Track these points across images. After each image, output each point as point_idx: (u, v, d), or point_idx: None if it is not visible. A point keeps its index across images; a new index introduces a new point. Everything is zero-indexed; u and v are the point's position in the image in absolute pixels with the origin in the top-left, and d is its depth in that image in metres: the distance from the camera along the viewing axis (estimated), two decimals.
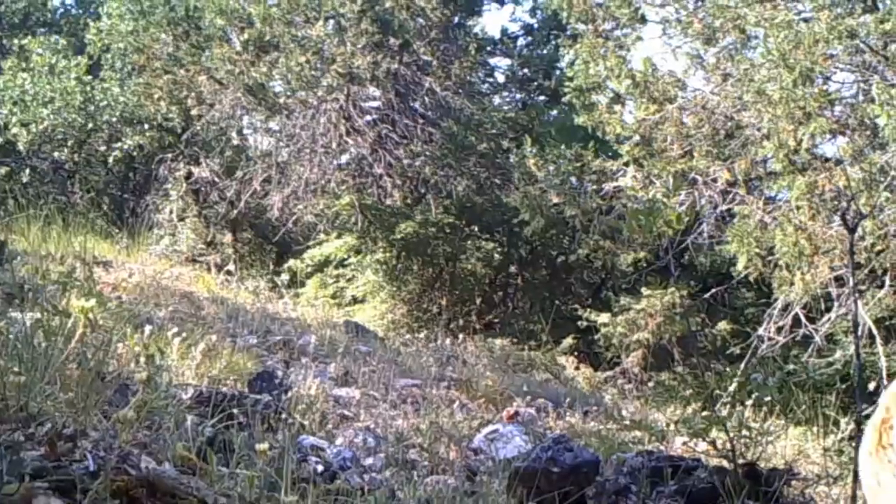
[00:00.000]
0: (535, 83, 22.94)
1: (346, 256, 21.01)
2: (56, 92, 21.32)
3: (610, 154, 14.92)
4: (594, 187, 14.52)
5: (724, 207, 13.33)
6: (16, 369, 4.37)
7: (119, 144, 21.89)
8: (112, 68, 22.74)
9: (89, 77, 21.96)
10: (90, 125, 21.78)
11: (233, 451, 5.08)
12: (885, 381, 11.51)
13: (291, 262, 21.31)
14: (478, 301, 21.47)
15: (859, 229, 10.71)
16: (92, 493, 3.84)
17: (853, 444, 8.17)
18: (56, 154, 22.26)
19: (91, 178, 23.21)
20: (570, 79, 14.24)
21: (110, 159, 22.21)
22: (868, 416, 10.52)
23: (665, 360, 16.39)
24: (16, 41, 24.24)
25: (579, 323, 17.09)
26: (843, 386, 12.54)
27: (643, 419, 10.26)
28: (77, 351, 4.73)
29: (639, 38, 14.07)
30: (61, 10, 30.69)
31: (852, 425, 10.02)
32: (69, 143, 22.05)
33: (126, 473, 4.17)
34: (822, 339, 12.49)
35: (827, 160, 11.93)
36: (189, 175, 22.49)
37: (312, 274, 21.20)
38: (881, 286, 12.00)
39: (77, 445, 4.15)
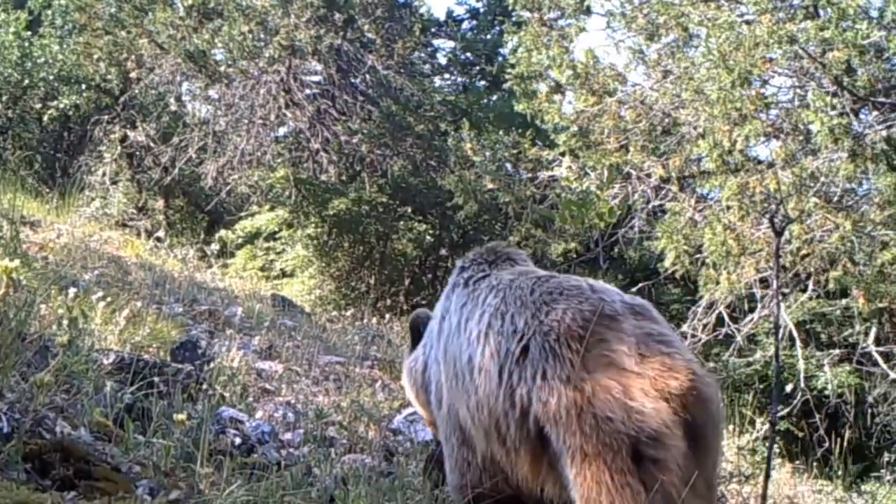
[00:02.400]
0: (477, 68, 22.98)
1: (277, 229, 20.96)
2: None
3: (547, 143, 14.98)
4: (529, 175, 14.57)
5: (656, 203, 13.43)
6: None
7: (55, 103, 21.64)
8: (52, 25, 22.45)
9: (28, 33, 21.64)
10: (26, 81, 21.49)
11: (151, 420, 5.07)
12: (802, 384, 11.70)
13: (222, 232, 21.24)
14: (407, 282, 21.47)
15: (786, 233, 10.84)
16: (4, 456, 3.82)
17: (766, 444, 8.28)
18: None
19: (24, 136, 22.88)
20: (512, 65, 14.27)
21: (45, 117, 21.95)
22: (783, 417, 10.71)
23: None
24: None
25: None
26: (761, 386, 12.75)
27: None
28: None
29: (582, 30, 14.11)
30: None
31: (767, 426, 10.18)
32: (3, 99, 21.73)
33: (40, 437, 4.16)
34: (743, 339, 12.65)
35: (759, 162, 12.05)
36: (124, 138, 22.28)
37: (242, 245, 21.14)
38: (804, 290, 12.18)
39: None
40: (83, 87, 21.99)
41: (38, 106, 22.21)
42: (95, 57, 21.03)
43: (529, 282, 4.77)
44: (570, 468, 4.15)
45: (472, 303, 4.98)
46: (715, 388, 4.35)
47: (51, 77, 21.56)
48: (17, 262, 4.48)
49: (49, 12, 22.55)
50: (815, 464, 11.71)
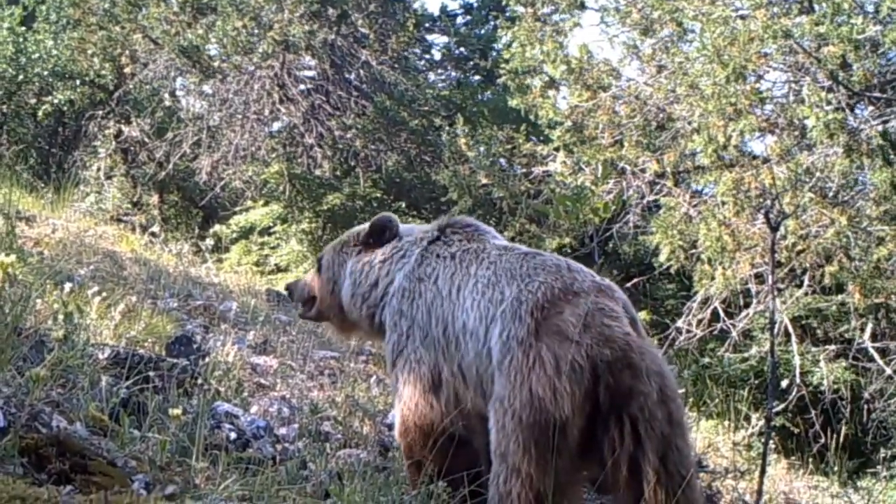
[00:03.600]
0: (471, 63, 22.93)
1: (271, 224, 20.96)
2: None
3: (541, 138, 15.00)
4: (523, 170, 14.60)
5: (651, 198, 13.43)
6: None
7: (49, 98, 21.58)
8: (46, 20, 22.37)
9: (23, 28, 21.61)
10: (21, 77, 21.44)
11: (146, 415, 5.07)
12: (798, 380, 11.70)
13: (217, 227, 21.22)
14: None
15: (782, 228, 10.85)
16: (0, 450, 3.81)
17: (762, 440, 8.29)
18: None
19: (19, 131, 22.85)
20: (506, 60, 14.29)
21: (40, 112, 21.87)
22: (779, 413, 10.73)
23: None
24: None
25: None
26: (757, 382, 12.74)
27: None
28: None
29: (577, 25, 14.13)
30: None
31: (763, 421, 10.19)
32: None
33: (36, 431, 4.15)
34: (738, 335, 12.64)
35: (754, 158, 12.06)
36: (119, 133, 22.26)
37: (237, 240, 21.14)
38: (800, 286, 12.18)
39: None
40: (77, 82, 21.94)
41: (33, 101, 22.14)
42: (90, 52, 21.02)
43: (517, 256, 5.34)
44: (493, 417, 4.85)
45: (463, 273, 5.46)
46: (652, 359, 4.79)
47: (45, 72, 21.50)
48: (12, 258, 4.48)
49: (43, 8, 22.48)
50: (810, 460, 11.71)
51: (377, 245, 6.05)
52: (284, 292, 6.81)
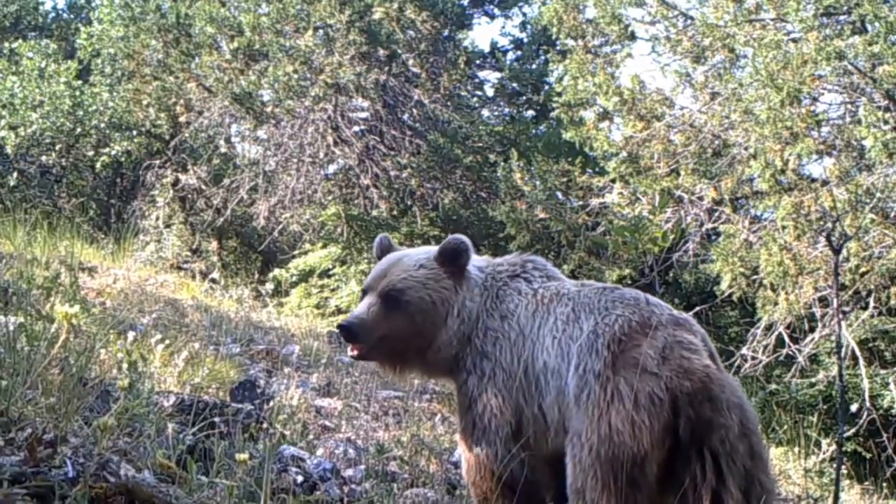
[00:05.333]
0: (524, 97, 22.92)
1: (330, 266, 20.96)
2: (45, 96, 21.29)
3: (596, 170, 14.95)
4: (580, 203, 14.56)
5: (710, 226, 13.36)
6: None
7: (107, 150, 21.86)
8: (102, 73, 22.71)
9: (79, 82, 21.95)
10: (78, 130, 21.75)
11: (213, 460, 5.07)
12: (868, 403, 11.54)
13: (276, 272, 21.26)
14: None
15: (844, 251, 10.75)
16: (70, 500, 3.83)
17: (834, 466, 8.19)
18: (44, 158, 22.21)
19: (78, 183, 23.14)
20: (559, 94, 14.29)
21: (98, 164, 22.15)
22: (850, 438, 10.58)
23: None
24: (6, 45, 24.21)
25: None
26: (826, 407, 12.57)
27: None
28: (59, 356, 4.73)
29: (628, 55, 14.12)
30: (52, 14, 30.62)
31: (833, 447, 10.05)
32: (57, 148, 22.00)
33: (105, 480, 4.16)
34: (805, 360, 12.51)
35: (813, 181, 11.97)
36: (176, 182, 22.48)
37: (297, 283, 21.15)
38: (865, 308, 12.04)
39: (57, 451, 4.14)
40: (134, 132, 22.23)
41: (91, 153, 22.43)
42: (145, 103, 21.30)
43: (595, 291, 5.29)
44: (569, 452, 4.83)
45: (544, 310, 5.37)
46: (732, 391, 4.77)
47: (102, 124, 21.80)
48: (76, 308, 4.51)
49: (98, 61, 22.82)
50: (884, 484, 11.54)
51: (457, 272, 5.72)
52: (338, 331, 6.16)
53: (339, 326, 5.78)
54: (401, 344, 5.76)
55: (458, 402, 5.67)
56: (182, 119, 21.28)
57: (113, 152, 21.88)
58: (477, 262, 5.89)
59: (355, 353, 5.84)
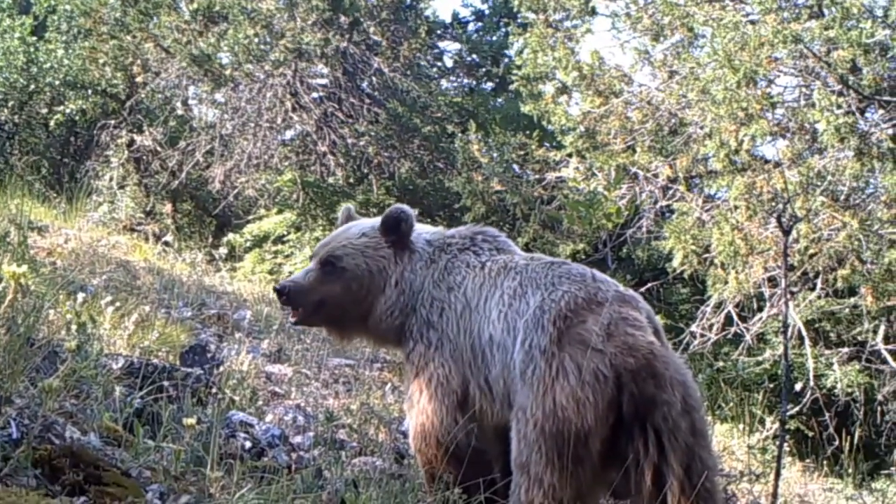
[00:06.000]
0: (483, 69, 22.95)
1: (285, 233, 20.92)
2: None
3: (553, 144, 15.00)
4: (536, 177, 14.59)
5: (664, 203, 13.44)
6: None
7: (61, 108, 21.66)
8: (57, 30, 22.43)
9: (34, 38, 21.67)
10: (32, 87, 21.52)
11: (161, 424, 5.08)
12: (811, 382, 11.69)
13: (230, 236, 21.18)
14: None
15: (794, 232, 10.85)
16: (13, 462, 3.83)
17: (776, 443, 8.28)
18: None
19: (31, 141, 22.89)
20: (518, 67, 14.31)
21: (51, 122, 21.95)
22: (793, 416, 10.72)
23: None
24: None
25: None
26: (771, 385, 12.72)
27: None
28: (7, 316, 4.70)
29: (588, 31, 14.14)
30: None
31: (777, 424, 10.17)
32: (10, 105, 21.75)
33: (50, 442, 4.16)
34: (752, 339, 12.64)
35: (766, 162, 12.05)
36: (131, 143, 22.29)
37: (251, 249, 21.10)
38: (813, 289, 12.17)
39: (1, 412, 4.13)
40: (89, 91, 22.02)
41: (45, 111, 22.22)
42: (101, 61, 21.10)
43: (543, 266, 5.33)
44: (514, 426, 4.91)
45: (490, 284, 5.42)
46: (675, 368, 4.84)
47: (57, 82, 21.57)
48: (24, 268, 4.49)
49: (54, 17, 22.54)
50: (825, 462, 11.70)
51: (400, 244, 5.85)
52: (274, 293, 6.23)
53: (275, 288, 6.02)
54: (338, 310, 5.93)
55: (405, 371, 5.75)
56: (139, 79, 21.11)
57: (67, 111, 21.69)
58: (426, 233, 5.96)
59: (294, 318, 6.10)
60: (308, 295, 5.90)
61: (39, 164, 22.45)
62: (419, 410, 5.51)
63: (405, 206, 5.96)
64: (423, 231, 6.00)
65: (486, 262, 5.59)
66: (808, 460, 11.97)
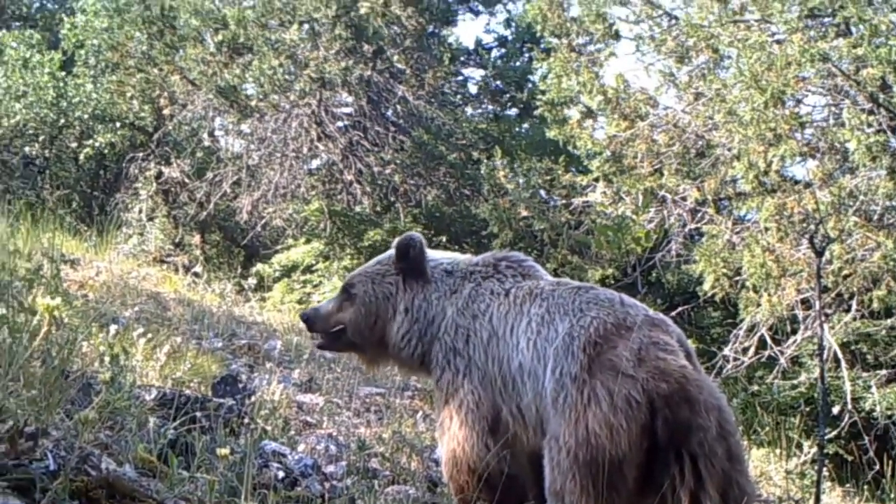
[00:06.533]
0: (508, 95, 23.01)
1: (313, 262, 20.95)
2: (29, 86, 21.24)
3: (580, 169, 14.98)
4: (563, 202, 14.58)
5: (693, 226, 13.38)
6: None
7: (90, 141, 21.86)
8: (86, 65, 22.66)
9: (62, 73, 21.89)
10: (62, 121, 21.72)
11: (194, 455, 5.06)
12: (849, 405, 11.58)
13: (259, 266, 21.28)
14: None
15: (827, 253, 10.78)
16: (51, 494, 3.82)
17: (815, 468, 8.20)
18: (27, 149, 22.18)
19: (61, 175, 23.11)
20: (543, 92, 14.31)
21: (81, 156, 22.14)
22: (832, 440, 10.57)
23: None
24: None
25: None
26: (808, 409, 12.61)
27: None
28: (41, 349, 4.71)
29: (612, 55, 14.14)
30: (37, 4, 30.54)
31: (815, 449, 10.08)
32: (40, 139, 21.96)
33: (86, 474, 4.15)
34: (787, 362, 12.55)
35: (796, 182, 12.00)
36: (159, 175, 22.44)
37: (280, 278, 21.14)
38: (847, 310, 12.08)
39: (38, 444, 4.13)
40: (118, 125, 22.22)
41: (74, 145, 22.43)
42: (129, 95, 21.27)
43: (570, 292, 5.28)
44: (547, 455, 4.83)
45: (517, 311, 5.37)
46: (710, 392, 4.74)
47: (86, 116, 21.78)
48: (58, 301, 4.49)
49: (82, 52, 22.77)
50: (865, 487, 11.56)
51: (413, 272, 5.91)
52: (302, 321, 6.48)
53: (300, 315, 6.30)
54: (356, 336, 6.05)
55: (435, 398, 5.74)
56: (166, 112, 21.28)
57: (96, 144, 21.89)
58: (446, 261, 6.00)
59: (316, 342, 6.44)
60: (327, 321, 6.13)
61: (70, 198, 22.62)
62: (450, 437, 5.48)
63: (415, 234, 6.03)
64: (443, 259, 6.04)
65: (510, 288, 5.57)
66: (848, 485, 11.85)
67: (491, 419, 5.34)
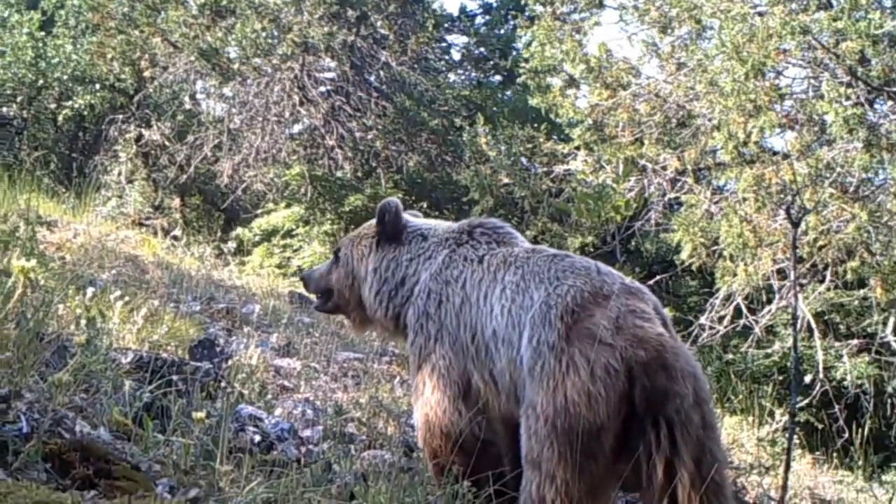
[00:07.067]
0: (491, 62, 22.98)
1: (293, 227, 20.95)
2: (7, 46, 21.09)
3: (562, 137, 14.97)
4: (544, 170, 14.58)
5: (672, 196, 13.41)
6: None
7: (69, 103, 21.71)
8: (66, 25, 22.48)
9: (42, 33, 21.70)
10: (41, 82, 21.57)
11: (170, 418, 5.08)
12: (821, 375, 11.67)
13: (239, 230, 21.28)
14: None
15: (803, 224, 10.83)
16: (24, 456, 3.84)
17: (786, 436, 8.27)
18: (4, 109, 22.01)
19: (40, 136, 22.97)
20: (526, 60, 14.28)
21: (60, 117, 22.01)
22: (803, 409, 10.68)
23: None
24: None
25: None
26: (780, 378, 12.71)
27: None
28: (16, 311, 4.71)
29: (596, 24, 14.12)
30: None
31: (787, 417, 10.16)
32: (18, 99, 21.81)
33: (60, 437, 4.17)
34: (761, 331, 12.61)
35: (775, 154, 12.02)
36: (139, 137, 22.33)
37: (259, 243, 21.14)
38: (822, 281, 12.15)
39: (11, 406, 4.14)
40: (97, 86, 22.07)
41: (53, 106, 22.29)
42: (109, 56, 21.10)
43: (545, 260, 5.29)
44: (524, 423, 4.82)
45: (490, 278, 5.42)
46: (686, 360, 4.76)
47: (65, 77, 21.62)
48: (33, 262, 4.49)
49: (62, 12, 22.57)
50: (835, 454, 11.68)
51: (388, 235, 6.05)
52: (300, 282, 6.77)
53: (299, 274, 6.45)
54: (340, 298, 6.36)
55: (410, 362, 5.80)
56: (147, 74, 21.13)
57: (76, 106, 21.73)
58: (424, 226, 6.12)
59: (314, 303, 6.77)
60: (318, 282, 6.52)
61: (48, 159, 22.50)
62: (423, 402, 5.54)
63: (392, 199, 6.21)
64: (421, 224, 6.15)
65: (483, 255, 5.61)
66: (817, 453, 11.97)
67: (462, 384, 5.40)
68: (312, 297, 7.34)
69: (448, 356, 5.43)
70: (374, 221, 6.22)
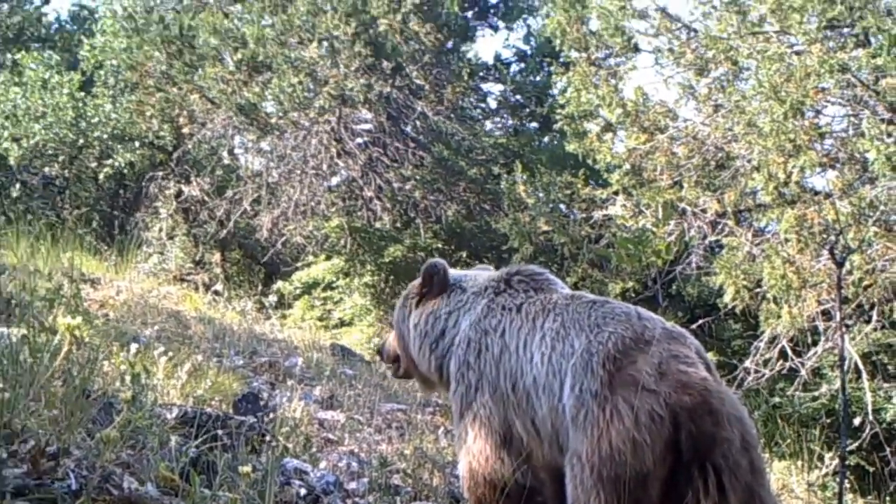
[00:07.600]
0: (527, 110, 22.97)
1: (334, 279, 20.98)
2: (48, 107, 21.35)
3: (600, 182, 14.94)
4: (583, 215, 14.55)
5: (713, 238, 13.34)
6: (0, 385, 4.35)
7: (110, 161, 21.90)
8: (105, 85, 22.75)
9: (82, 93, 22.01)
10: (81, 141, 21.80)
11: (216, 473, 5.06)
12: (870, 416, 11.53)
13: (279, 284, 21.32)
14: None
15: (847, 263, 10.73)
16: None
17: (837, 480, 8.16)
18: (47, 169, 22.25)
19: (81, 195, 23.17)
20: (562, 106, 14.30)
21: (101, 176, 22.18)
22: (853, 452, 10.54)
23: None
24: (9, 56, 24.30)
25: None
26: (829, 420, 12.55)
27: None
28: (62, 368, 4.72)
29: (632, 68, 14.13)
30: (56, 25, 30.75)
31: (837, 461, 10.03)
32: (60, 159, 22.05)
33: (108, 493, 4.16)
34: (808, 373, 12.48)
35: (816, 193, 11.95)
36: (179, 193, 22.50)
37: (300, 296, 21.18)
38: (868, 321, 12.02)
39: (60, 464, 4.14)
40: (137, 144, 22.27)
41: (94, 164, 22.48)
42: (148, 114, 21.29)
43: (585, 306, 5.26)
44: (569, 472, 4.76)
45: (529, 326, 5.38)
46: (732, 404, 4.68)
47: (105, 136, 21.86)
48: (79, 320, 4.50)
49: (101, 72, 22.84)
50: (888, 498, 11.52)
51: (433, 294, 6.06)
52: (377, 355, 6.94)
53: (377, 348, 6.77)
54: (403, 361, 6.38)
55: (452, 412, 5.78)
56: (185, 130, 21.30)
57: (116, 164, 21.93)
58: (463, 277, 6.19)
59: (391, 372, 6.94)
60: (387, 351, 6.63)
61: (90, 217, 22.68)
62: (466, 450, 5.51)
63: (438, 261, 6.23)
64: (460, 276, 6.19)
65: (522, 304, 5.58)
66: (870, 497, 11.81)
67: (504, 433, 5.36)
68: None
69: (489, 405, 5.40)
70: (417, 281, 6.25)
